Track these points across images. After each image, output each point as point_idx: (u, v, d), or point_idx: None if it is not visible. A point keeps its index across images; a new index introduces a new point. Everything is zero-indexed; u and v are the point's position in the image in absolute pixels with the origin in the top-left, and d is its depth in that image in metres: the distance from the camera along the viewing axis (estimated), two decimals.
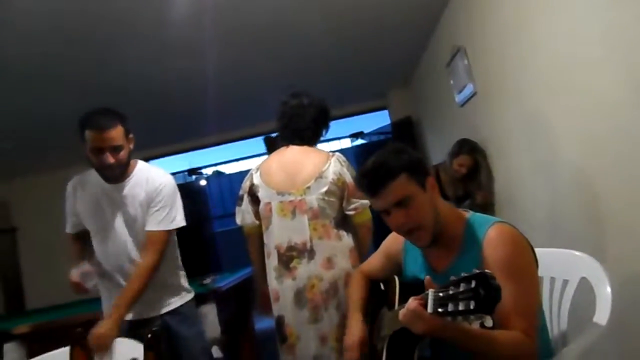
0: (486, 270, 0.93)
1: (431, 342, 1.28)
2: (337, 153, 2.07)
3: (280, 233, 1.93)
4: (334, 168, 1.96)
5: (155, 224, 1.98)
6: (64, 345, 1.62)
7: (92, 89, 3.63)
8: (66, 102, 3.78)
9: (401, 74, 4.98)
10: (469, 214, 1.39)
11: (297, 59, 3.91)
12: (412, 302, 1.10)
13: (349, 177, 1.96)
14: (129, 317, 1.96)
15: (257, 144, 6.43)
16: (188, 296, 2.16)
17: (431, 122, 4.90)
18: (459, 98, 3.48)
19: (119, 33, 2.85)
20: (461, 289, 0.95)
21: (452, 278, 0.98)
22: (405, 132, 5.30)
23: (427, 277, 1.12)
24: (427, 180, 1.35)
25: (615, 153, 1.74)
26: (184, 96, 4.19)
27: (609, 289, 1.27)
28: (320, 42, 3.62)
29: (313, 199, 1.90)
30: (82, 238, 2.09)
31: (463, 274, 0.95)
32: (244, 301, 3.64)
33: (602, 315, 1.25)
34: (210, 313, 2.89)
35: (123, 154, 1.92)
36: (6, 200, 5.93)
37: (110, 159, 1.88)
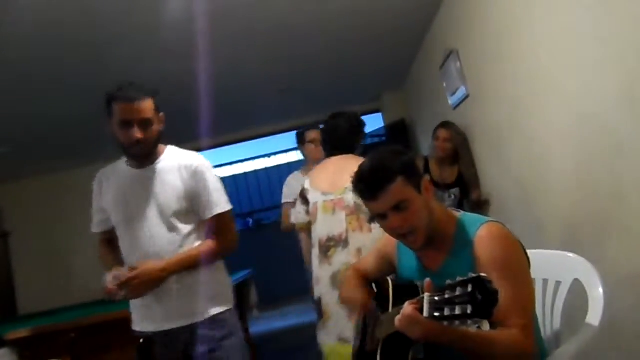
0: (482, 274, 0.92)
1: (425, 345, 1.27)
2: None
3: (322, 227, 2.23)
4: None
5: (224, 203, 1.89)
6: (56, 351, 1.59)
7: (87, 93, 3.62)
8: (61, 107, 3.78)
9: (395, 77, 5.00)
10: (459, 214, 1.40)
11: (292, 62, 3.91)
12: (408, 307, 1.09)
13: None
14: (154, 327, 1.75)
15: (252, 147, 6.43)
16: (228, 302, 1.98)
17: (425, 125, 4.91)
18: (452, 100, 3.49)
19: (116, 36, 2.84)
20: (457, 293, 0.94)
21: (448, 282, 0.97)
22: (399, 134, 5.31)
23: (427, 280, 1.11)
24: (422, 182, 1.35)
25: (608, 154, 1.75)
26: (180, 99, 4.17)
27: (601, 291, 1.28)
28: (315, 46, 3.63)
29: (350, 198, 2.14)
30: (111, 238, 1.94)
31: (459, 278, 0.95)
32: (240, 305, 3.63)
33: (594, 316, 1.26)
34: None
35: (153, 130, 1.78)
36: None
37: (138, 134, 1.74)
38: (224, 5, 2.69)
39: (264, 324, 5.51)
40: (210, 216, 1.87)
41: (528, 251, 1.33)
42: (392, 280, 1.47)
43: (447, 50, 3.31)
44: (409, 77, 4.94)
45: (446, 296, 0.97)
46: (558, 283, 1.43)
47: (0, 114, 3.66)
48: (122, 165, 1.89)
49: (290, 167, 8.21)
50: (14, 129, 4.11)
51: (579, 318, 1.29)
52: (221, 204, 1.89)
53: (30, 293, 5.61)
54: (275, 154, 7.89)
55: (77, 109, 3.90)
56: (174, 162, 1.87)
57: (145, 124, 1.75)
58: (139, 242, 1.82)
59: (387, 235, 1.60)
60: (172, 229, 1.83)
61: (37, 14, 2.44)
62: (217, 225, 1.89)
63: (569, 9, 1.82)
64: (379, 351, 1.33)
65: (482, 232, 1.28)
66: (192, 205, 1.86)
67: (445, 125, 3.27)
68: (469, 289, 0.91)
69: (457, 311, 0.92)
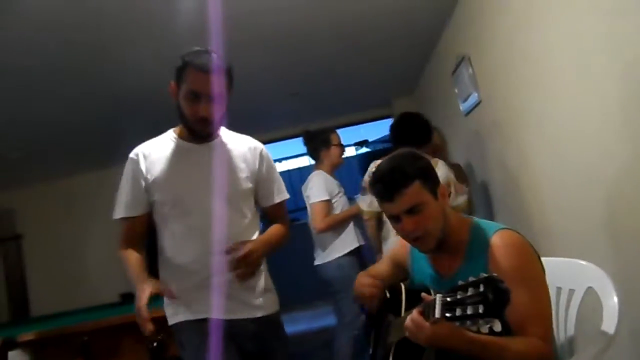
0: (494, 274, 0.93)
1: (436, 350, 1.27)
2: (439, 160, 2.64)
3: None
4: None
5: (283, 191, 1.83)
6: (69, 354, 1.60)
7: (100, 99, 3.67)
8: (74, 112, 3.82)
9: (406, 82, 5.00)
10: (473, 220, 1.40)
11: (303, 67, 3.93)
12: (413, 313, 1.10)
13: (452, 178, 2.59)
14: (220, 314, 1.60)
15: None
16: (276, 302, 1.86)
17: (441, 133, 4.90)
18: (463, 107, 3.48)
19: (128, 42, 2.87)
20: (469, 293, 0.94)
21: (460, 282, 0.98)
22: None
23: (423, 294, 1.12)
24: (438, 188, 1.36)
25: (620, 160, 1.74)
26: None
27: (615, 299, 1.27)
28: (325, 51, 3.64)
29: None
30: (135, 228, 1.69)
31: (471, 278, 0.95)
32: None
33: (609, 325, 1.25)
34: None
35: (222, 109, 1.62)
36: (12, 207, 5.97)
37: (206, 111, 1.57)
38: (236, 10, 2.71)
39: None
40: (278, 202, 1.81)
41: (542, 258, 1.32)
42: (404, 285, 1.48)
43: (459, 56, 3.30)
44: (420, 83, 4.94)
45: (458, 297, 0.97)
46: (572, 291, 1.41)
47: (14, 119, 3.71)
48: (169, 139, 1.70)
49: (301, 172, 8.26)
50: (27, 134, 4.17)
51: (594, 326, 1.27)
52: (284, 190, 1.85)
53: (42, 295, 5.66)
54: (286, 158, 7.93)
55: (89, 114, 3.95)
56: (236, 141, 1.75)
57: (214, 100, 1.58)
58: (200, 224, 1.61)
59: (400, 241, 1.61)
60: (238, 211, 1.68)
61: (49, 16, 2.47)
62: (280, 213, 1.84)
63: (581, 15, 1.81)
64: (391, 356, 1.33)
65: (496, 239, 1.28)
66: (255, 188, 1.76)
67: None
68: (481, 288, 0.92)
69: (469, 311, 0.93)
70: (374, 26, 3.32)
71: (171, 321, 1.59)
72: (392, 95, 5.52)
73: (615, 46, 1.65)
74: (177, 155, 1.66)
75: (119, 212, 1.69)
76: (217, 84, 1.56)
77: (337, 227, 3.12)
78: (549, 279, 1.38)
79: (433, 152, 2.89)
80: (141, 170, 1.65)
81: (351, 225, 3.18)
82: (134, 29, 2.76)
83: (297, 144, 6.38)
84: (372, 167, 3.27)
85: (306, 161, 8.09)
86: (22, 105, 3.49)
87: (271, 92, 4.40)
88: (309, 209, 3.22)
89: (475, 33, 2.99)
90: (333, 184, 3.21)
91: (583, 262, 1.44)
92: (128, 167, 1.68)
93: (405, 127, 2.77)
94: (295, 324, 5.74)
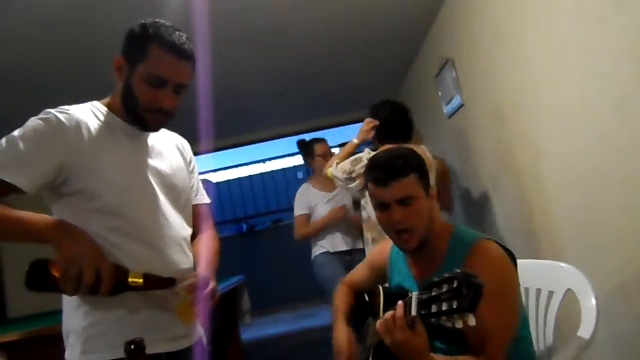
0: (467, 271, 0.94)
1: None
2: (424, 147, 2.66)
3: None
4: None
5: (205, 195, 1.56)
6: (51, 356, 1.46)
7: (80, 96, 3.61)
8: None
9: (391, 84, 5.02)
10: (454, 226, 1.41)
11: (288, 69, 3.92)
12: (385, 317, 1.11)
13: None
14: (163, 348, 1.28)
15: (245, 152, 6.41)
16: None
17: (420, 134, 4.93)
18: (447, 109, 3.51)
19: (114, 39, 2.83)
20: (444, 290, 0.96)
21: (435, 280, 0.99)
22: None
23: (399, 303, 1.12)
24: (430, 188, 1.38)
25: (601, 164, 1.76)
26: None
27: (594, 301, 1.29)
28: (312, 53, 3.65)
29: None
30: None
31: (445, 275, 0.97)
32: (231, 312, 3.61)
33: (587, 326, 1.26)
34: None
35: (180, 100, 1.33)
36: None
37: (171, 102, 1.29)
38: (222, 9, 2.69)
39: (257, 330, 5.49)
40: (204, 202, 1.56)
41: (522, 261, 1.34)
42: (383, 288, 1.48)
43: (443, 59, 3.33)
44: (405, 85, 4.97)
45: (433, 294, 0.99)
46: (551, 293, 1.43)
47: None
48: (100, 114, 1.32)
49: (285, 173, 8.24)
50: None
51: (573, 328, 1.29)
52: (204, 192, 1.58)
53: (20, 297, 5.56)
54: (270, 159, 7.90)
55: None
56: (163, 131, 1.44)
57: (181, 92, 1.32)
58: (151, 222, 1.30)
59: (379, 247, 1.62)
60: (180, 210, 1.40)
61: (35, 15, 2.44)
62: (207, 214, 1.57)
63: (562, 19, 1.84)
64: (371, 357, 1.34)
65: (475, 250, 1.29)
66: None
67: None
68: (455, 284, 0.94)
69: (444, 307, 0.95)
70: (360, 29, 3.33)
71: (110, 356, 1.18)
72: (377, 98, 5.53)
73: (595, 49, 1.67)
74: (115, 137, 1.30)
75: (30, 180, 1.18)
76: (188, 73, 1.32)
77: (314, 235, 3.34)
78: (529, 281, 1.40)
79: None
80: (64, 138, 1.21)
81: (340, 228, 3.30)
82: (122, 28, 2.73)
83: (283, 145, 6.37)
84: (302, 191, 3.42)
85: (292, 162, 8.07)
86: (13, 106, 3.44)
87: (258, 93, 4.39)
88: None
89: (459, 37, 3.02)
90: (317, 195, 3.38)
91: (563, 265, 1.46)
92: (43, 125, 1.21)
93: (400, 121, 2.70)
94: (279, 325, 5.74)
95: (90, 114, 1.30)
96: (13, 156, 1.18)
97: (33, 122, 1.22)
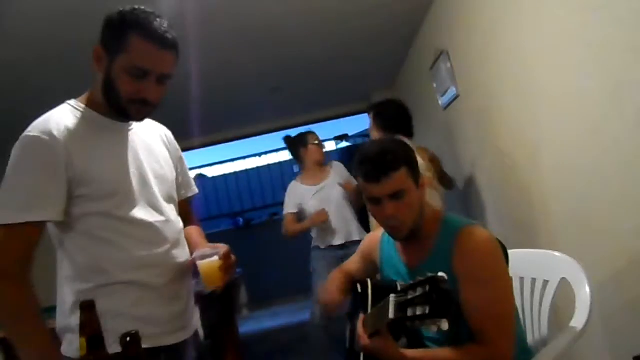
0: (439, 274, 0.94)
1: (408, 342, 1.30)
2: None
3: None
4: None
5: (194, 185, 1.52)
6: None
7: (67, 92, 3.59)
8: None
9: (385, 76, 5.01)
10: (444, 214, 1.42)
11: (282, 61, 3.91)
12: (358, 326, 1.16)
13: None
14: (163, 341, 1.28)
15: (240, 146, 6.39)
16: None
17: (415, 125, 4.92)
18: (442, 101, 3.51)
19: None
20: (417, 293, 0.97)
21: (411, 282, 1.00)
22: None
23: (362, 316, 1.18)
24: (420, 179, 1.38)
25: (595, 154, 1.77)
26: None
27: (588, 290, 1.30)
28: (306, 45, 3.63)
29: None
30: (38, 240, 1.20)
31: (419, 278, 0.97)
32: (229, 305, 3.62)
33: (581, 316, 1.28)
34: None
35: (165, 90, 1.29)
36: None
37: (154, 93, 1.25)
38: (215, 3, 2.68)
39: (254, 323, 5.51)
40: (192, 195, 1.54)
41: (517, 250, 1.35)
42: (371, 280, 1.49)
43: (437, 51, 3.33)
44: (399, 77, 4.96)
45: (409, 297, 0.99)
46: (545, 282, 1.44)
47: None
48: (79, 113, 1.27)
49: (281, 167, 8.22)
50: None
51: (568, 317, 1.30)
52: (193, 183, 1.56)
53: None
54: (266, 153, 7.89)
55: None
56: (146, 121, 1.39)
57: (165, 81, 1.27)
58: (149, 217, 1.28)
59: (370, 235, 1.64)
60: (173, 203, 1.39)
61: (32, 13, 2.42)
62: (193, 208, 1.55)
63: (556, 9, 1.84)
64: (362, 353, 1.35)
65: (463, 236, 1.30)
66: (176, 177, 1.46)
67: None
68: (427, 289, 0.94)
69: (418, 311, 0.96)
70: (354, 21, 3.32)
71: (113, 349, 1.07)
72: (372, 90, 5.54)
73: (589, 38, 1.68)
74: (100, 134, 1.27)
75: (17, 214, 1.13)
76: (171, 62, 1.26)
77: (301, 234, 3.38)
78: (523, 270, 1.41)
79: None
80: (61, 155, 1.17)
81: (333, 222, 3.30)
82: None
83: (277, 139, 6.36)
84: (291, 188, 3.46)
85: (288, 155, 8.06)
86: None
87: (252, 86, 4.38)
88: None
89: (453, 28, 3.01)
90: (304, 191, 3.41)
91: (557, 254, 1.47)
92: (36, 151, 1.17)
93: (406, 116, 2.89)
94: (277, 318, 5.76)
95: (70, 118, 1.25)
96: (28, 194, 1.16)
97: (23, 152, 1.18)
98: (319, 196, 3.33)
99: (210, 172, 8.17)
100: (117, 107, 1.26)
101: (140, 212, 1.27)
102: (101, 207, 1.22)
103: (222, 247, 1.31)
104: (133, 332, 0.92)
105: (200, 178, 7.74)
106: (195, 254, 1.32)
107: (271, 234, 6.71)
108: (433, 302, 0.92)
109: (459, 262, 1.26)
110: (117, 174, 1.26)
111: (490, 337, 1.18)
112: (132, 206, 1.26)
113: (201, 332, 1.51)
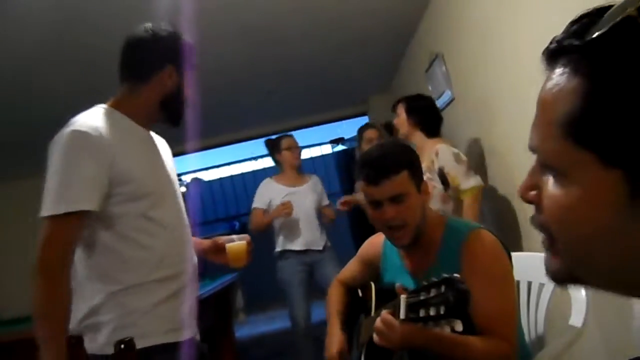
0: (454, 275, 0.94)
1: (409, 351, 1.29)
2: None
3: None
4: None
5: None
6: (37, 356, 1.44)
7: (70, 93, 3.58)
8: (43, 108, 3.73)
9: (381, 80, 5.02)
10: (448, 218, 1.41)
11: (278, 65, 3.91)
12: (383, 313, 1.11)
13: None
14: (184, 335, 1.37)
15: (236, 150, 6.37)
16: None
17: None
18: (437, 104, 3.50)
19: (100, 37, 2.81)
20: (432, 294, 0.96)
21: (424, 283, 0.99)
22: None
23: (398, 284, 1.13)
24: (422, 183, 1.37)
25: None
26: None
27: (584, 293, 1.30)
28: (301, 49, 3.64)
29: None
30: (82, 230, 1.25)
31: (433, 279, 0.97)
32: (225, 309, 3.61)
33: (577, 318, 1.28)
34: None
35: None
36: None
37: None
38: (211, 5, 2.68)
39: (250, 327, 5.49)
40: None
41: (514, 253, 1.35)
42: (374, 284, 1.48)
43: (432, 54, 3.33)
44: (395, 80, 4.97)
45: (421, 297, 0.99)
46: (542, 285, 1.44)
47: None
48: (117, 118, 1.35)
49: (277, 170, 8.21)
50: None
51: (564, 319, 1.30)
52: None
53: (14, 296, 5.51)
54: (262, 156, 7.87)
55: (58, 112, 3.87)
56: (152, 133, 1.51)
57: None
58: (175, 223, 1.40)
59: (370, 241, 1.62)
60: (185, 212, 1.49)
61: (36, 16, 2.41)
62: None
63: (551, 13, 1.84)
64: (362, 355, 1.34)
65: (470, 240, 1.30)
66: None
67: (372, 125, 3.58)
68: (442, 289, 0.93)
69: (432, 312, 0.95)
70: (350, 25, 3.33)
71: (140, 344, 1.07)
72: (368, 93, 5.55)
73: None
74: (134, 138, 1.36)
75: (79, 202, 1.18)
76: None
77: (265, 228, 3.39)
78: (520, 273, 1.41)
79: None
80: (108, 153, 1.24)
81: (297, 224, 3.32)
82: (109, 23, 2.71)
83: None
84: (264, 185, 3.51)
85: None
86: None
87: (247, 89, 4.37)
88: None
89: (448, 31, 3.02)
90: (275, 189, 3.44)
91: None
92: (85, 142, 1.23)
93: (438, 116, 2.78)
94: (273, 322, 5.74)
95: (108, 120, 1.32)
96: (64, 186, 1.20)
97: (74, 144, 1.23)
98: (290, 198, 3.31)
99: (206, 175, 8.16)
100: (179, 114, 1.48)
101: (171, 214, 1.38)
102: (137, 208, 1.30)
103: (246, 236, 1.59)
104: (127, 339, 0.91)
105: (196, 182, 7.72)
106: (223, 239, 1.58)
107: (267, 238, 6.70)
108: (449, 303, 0.91)
109: (468, 264, 1.26)
110: (153, 176, 1.37)
111: (501, 335, 1.18)
112: (164, 207, 1.36)
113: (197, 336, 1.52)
